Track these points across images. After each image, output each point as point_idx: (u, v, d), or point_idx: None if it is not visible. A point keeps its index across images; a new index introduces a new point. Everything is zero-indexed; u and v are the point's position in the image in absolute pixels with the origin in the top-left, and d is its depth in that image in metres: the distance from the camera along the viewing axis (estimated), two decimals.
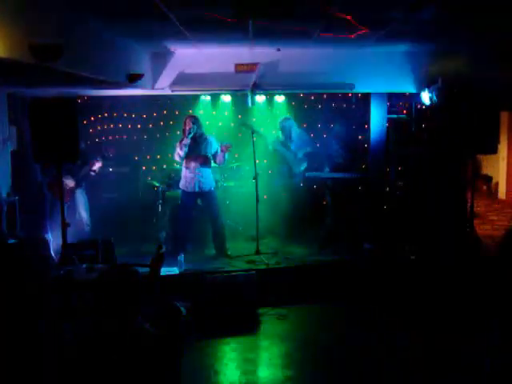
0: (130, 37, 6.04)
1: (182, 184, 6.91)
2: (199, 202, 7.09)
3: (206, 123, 7.45)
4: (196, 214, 7.14)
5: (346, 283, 6.15)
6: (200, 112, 8.31)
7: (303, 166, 7.94)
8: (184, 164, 6.82)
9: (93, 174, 6.94)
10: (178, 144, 6.78)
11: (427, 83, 7.25)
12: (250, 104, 7.50)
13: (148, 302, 4.22)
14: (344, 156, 8.09)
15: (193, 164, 6.76)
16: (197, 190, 6.79)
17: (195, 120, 6.76)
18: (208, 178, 6.86)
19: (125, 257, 6.50)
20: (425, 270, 6.09)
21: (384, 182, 8.11)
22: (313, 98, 8.92)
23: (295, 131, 7.97)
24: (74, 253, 5.47)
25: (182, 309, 4.21)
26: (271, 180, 8.06)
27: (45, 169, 6.61)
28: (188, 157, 6.75)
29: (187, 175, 6.80)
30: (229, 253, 6.86)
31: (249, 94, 7.30)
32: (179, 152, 6.70)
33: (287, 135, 7.95)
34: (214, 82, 7.33)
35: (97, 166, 6.78)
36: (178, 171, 7.28)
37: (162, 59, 7.25)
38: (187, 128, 6.65)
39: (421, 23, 5.09)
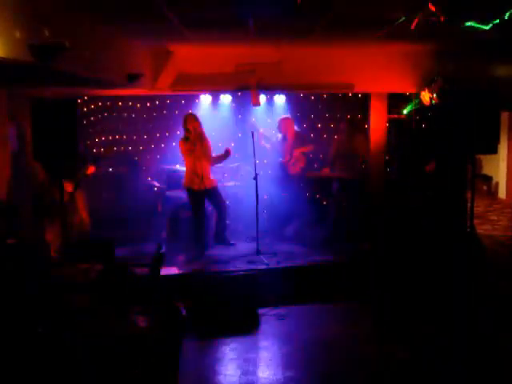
0: (130, 37, 6.04)
1: (188, 183, 6.84)
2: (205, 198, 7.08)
3: (206, 123, 7.44)
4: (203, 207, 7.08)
5: (346, 283, 6.15)
6: (200, 112, 8.32)
7: (298, 166, 7.94)
8: (189, 163, 6.77)
9: (86, 177, 6.92)
10: (181, 142, 6.74)
11: (427, 83, 7.25)
12: (255, 105, 7.52)
13: (148, 301, 4.23)
14: (353, 156, 8.13)
15: (198, 163, 6.72)
16: (202, 188, 6.76)
17: (197, 119, 6.74)
18: (210, 175, 6.86)
19: (125, 257, 6.52)
20: (424, 270, 6.09)
21: (384, 182, 8.11)
22: (313, 98, 8.93)
23: (292, 131, 7.97)
24: (74, 253, 5.48)
25: (182, 309, 4.21)
26: (271, 180, 8.07)
27: (45, 168, 6.60)
28: (193, 156, 6.71)
29: (193, 174, 6.75)
30: (232, 242, 6.94)
31: (253, 94, 7.30)
32: (186, 151, 6.66)
33: (284, 134, 7.99)
34: (214, 82, 7.33)
35: (90, 170, 6.73)
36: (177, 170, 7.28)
37: (162, 59, 7.25)
38: (191, 127, 6.62)
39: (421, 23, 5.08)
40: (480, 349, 4.72)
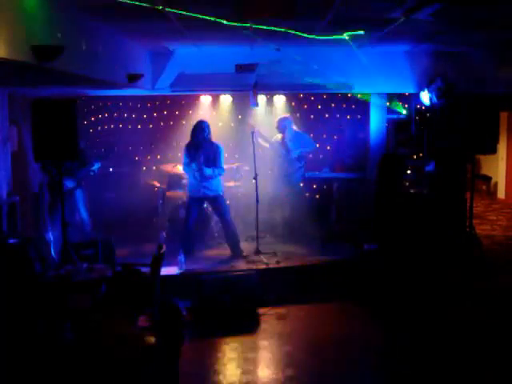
0: (130, 37, 6.05)
1: (189, 189, 6.87)
2: (206, 205, 7.10)
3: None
4: (194, 214, 7.09)
5: (346, 283, 6.16)
6: (200, 112, 8.33)
7: (297, 165, 7.95)
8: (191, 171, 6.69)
9: (92, 173, 6.93)
10: (185, 151, 6.64)
11: (427, 83, 7.26)
12: (254, 105, 7.52)
13: (148, 301, 4.23)
14: (353, 156, 8.16)
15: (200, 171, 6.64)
16: (201, 195, 6.76)
17: (206, 126, 6.63)
18: (214, 184, 6.75)
19: (125, 257, 6.52)
20: (424, 270, 6.09)
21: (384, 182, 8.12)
22: (313, 98, 8.93)
23: (290, 131, 7.96)
24: (74, 253, 5.48)
25: (182, 309, 4.22)
26: (270, 180, 8.07)
27: (45, 168, 6.61)
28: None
29: (194, 181, 6.71)
30: (244, 254, 6.80)
31: (252, 94, 7.31)
32: (189, 163, 6.59)
33: (283, 133, 8.00)
34: (214, 82, 7.33)
35: (95, 166, 6.76)
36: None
37: (162, 59, 7.25)
38: (199, 135, 6.54)
39: (420, 23, 5.09)
40: (480, 347, 4.73)
